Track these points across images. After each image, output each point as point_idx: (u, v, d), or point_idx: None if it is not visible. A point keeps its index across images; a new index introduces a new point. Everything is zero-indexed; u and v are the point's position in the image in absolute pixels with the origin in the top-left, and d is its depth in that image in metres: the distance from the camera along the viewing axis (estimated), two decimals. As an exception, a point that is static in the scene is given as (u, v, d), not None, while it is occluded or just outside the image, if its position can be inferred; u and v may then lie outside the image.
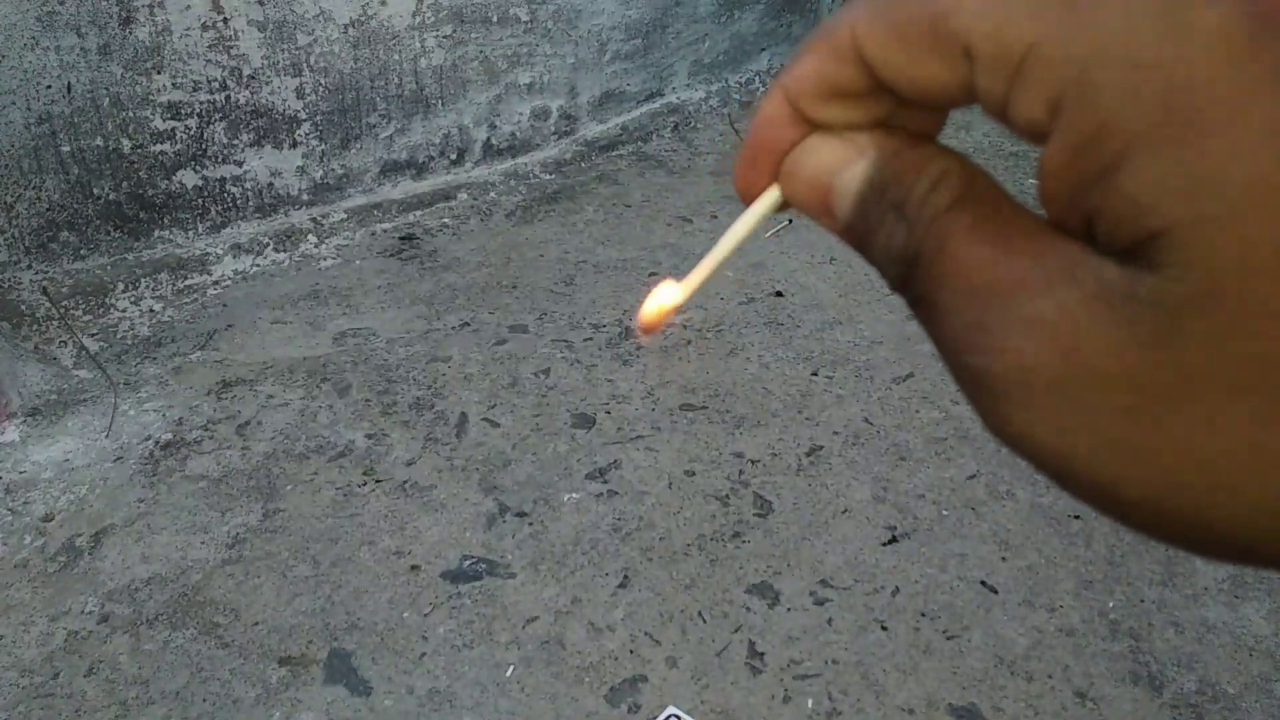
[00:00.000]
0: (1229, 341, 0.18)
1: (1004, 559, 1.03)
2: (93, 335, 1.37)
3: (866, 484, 1.14)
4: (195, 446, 1.16)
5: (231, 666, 0.86)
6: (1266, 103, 0.17)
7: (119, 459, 1.13)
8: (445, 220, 1.81)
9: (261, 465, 1.13)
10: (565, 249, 1.72)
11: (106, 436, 1.17)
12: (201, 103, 1.52)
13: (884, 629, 0.94)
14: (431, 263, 1.66)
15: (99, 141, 1.44)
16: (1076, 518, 1.09)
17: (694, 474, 1.15)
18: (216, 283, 1.54)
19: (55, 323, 1.37)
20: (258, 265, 1.60)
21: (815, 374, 1.36)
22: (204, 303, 1.49)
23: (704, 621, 0.94)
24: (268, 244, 1.63)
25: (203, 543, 1.01)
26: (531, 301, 1.55)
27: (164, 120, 1.49)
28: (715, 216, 1.85)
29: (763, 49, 2.45)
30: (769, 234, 1.78)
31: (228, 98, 1.55)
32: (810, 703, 0.86)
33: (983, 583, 1.00)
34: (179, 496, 1.07)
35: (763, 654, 0.91)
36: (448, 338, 1.44)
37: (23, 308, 1.37)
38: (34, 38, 1.32)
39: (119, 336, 1.38)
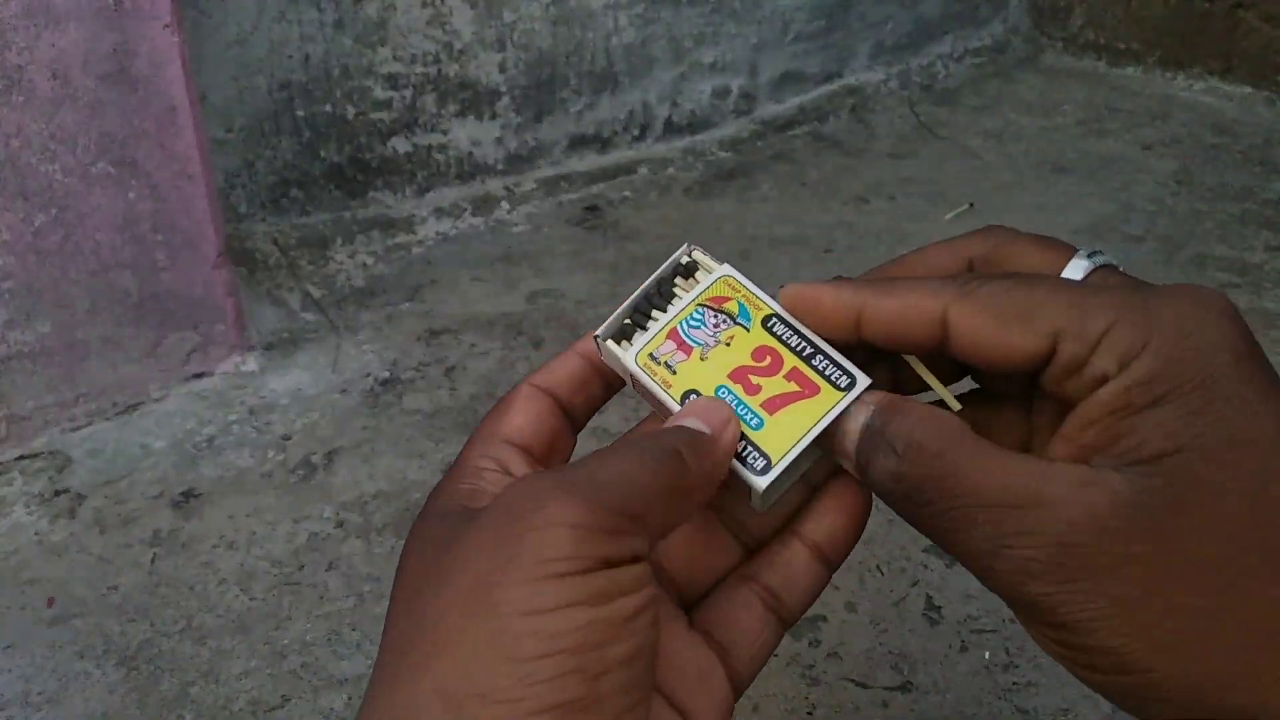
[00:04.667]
0: (1188, 539, 0.26)
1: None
2: (315, 283, 1.52)
3: (1046, 459, 1.14)
4: (410, 385, 1.27)
5: (451, 573, 0.96)
6: (1249, 394, 0.27)
7: (344, 391, 1.26)
8: (626, 193, 1.89)
9: (468, 404, 1.23)
10: (741, 224, 1.77)
11: (332, 371, 1.30)
12: (417, 75, 1.65)
13: (1062, 595, 0.96)
14: (614, 232, 1.74)
15: (328, 108, 1.58)
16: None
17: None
18: (421, 242, 1.67)
19: (284, 270, 1.52)
20: (457, 228, 1.72)
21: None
22: (410, 260, 1.61)
23: (881, 574, 0.98)
24: (466, 209, 1.75)
25: (419, 466, 1.12)
26: (709, 272, 1.60)
27: (384, 90, 1.62)
28: (893, 198, 1.86)
29: (946, 31, 2.43)
30: (949, 216, 1.78)
31: (439, 70, 1.67)
32: (987, 654, 0.89)
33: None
34: (398, 426, 1.19)
35: (940, 607, 0.95)
36: (631, 301, 1.51)
37: (257, 255, 1.53)
38: (281, 10, 1.47)
39: (338, 286, 1.52)
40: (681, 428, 0.33)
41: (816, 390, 0.34)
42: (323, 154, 1.60)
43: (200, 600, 0.95)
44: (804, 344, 0.35)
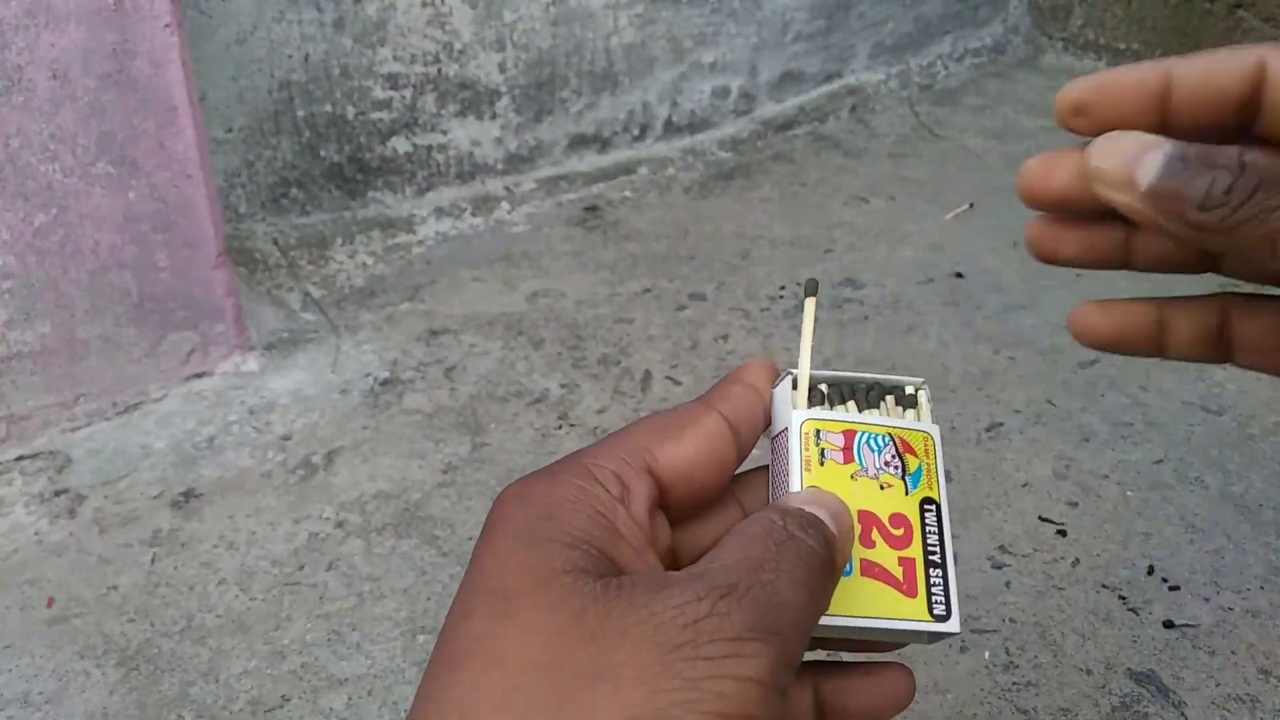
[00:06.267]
0: None
1: (1191, 541, 1.03)
2: (315, 284, 1.52)
3: (1048, 461, 1.15)
4: (410, 385, 1.27)
5: (451, 573, 0.96)
6: None
7: (344, 391, 1.26)
8: (626, 193, 1.89)
9: (468, 404, 1.23)
10: (741, 224, 1.77)
11: (332, 371, 1.30)
12: (416, 74, 1.65)
13: (1063, 595, 0.96)
14: (614, 232, 1.74)
15: (328, 108, 1.58)
16: (1270, 508, 1.07)
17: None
18: (420, 242, 1.67)
19: (284, 270, 1.52)
20: (456, 228, 1.72)
21: (996, 353, 1.37)
22: (410, 259, 1.61)
23: (881, 574, 0.98)
24: (466, 209, 1.75)
25: (420, 467, 1.12)
26: (709, 272, 1.60)
27: (383, 90, 1.62)
28: (893, 198, 1.86)
29: (946, 31, 2.42)
30: (949, 216, 1.78)
31: (439, 70, 1.67)
32: (987, 655, 0.89)
33: (1167, 562, 1.00)
34: (398, 427, 1.19)
35: (940, 607, 0.95)
36: (631, 302, 1.51)
37: (257, 255, 1.53)
38: (282, 10, 1.47)
39: (337, 285, 1.52)
40: (823, 527, 0.31)
41: (913, 594, 0.33)
42: (323, 154, 1.60)
43: (200, 600, 0.95)
44: (938, 549, 0.33)
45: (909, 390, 0.37)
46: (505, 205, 1.79)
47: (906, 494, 0.34)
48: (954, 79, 2.46)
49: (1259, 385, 1.30)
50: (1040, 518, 1.06)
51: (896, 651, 0.38)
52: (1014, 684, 0.87)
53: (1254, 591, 0.96)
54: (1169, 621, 0.93)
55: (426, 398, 1.25)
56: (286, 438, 1.17)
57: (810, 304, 0.37)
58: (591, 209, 1.82)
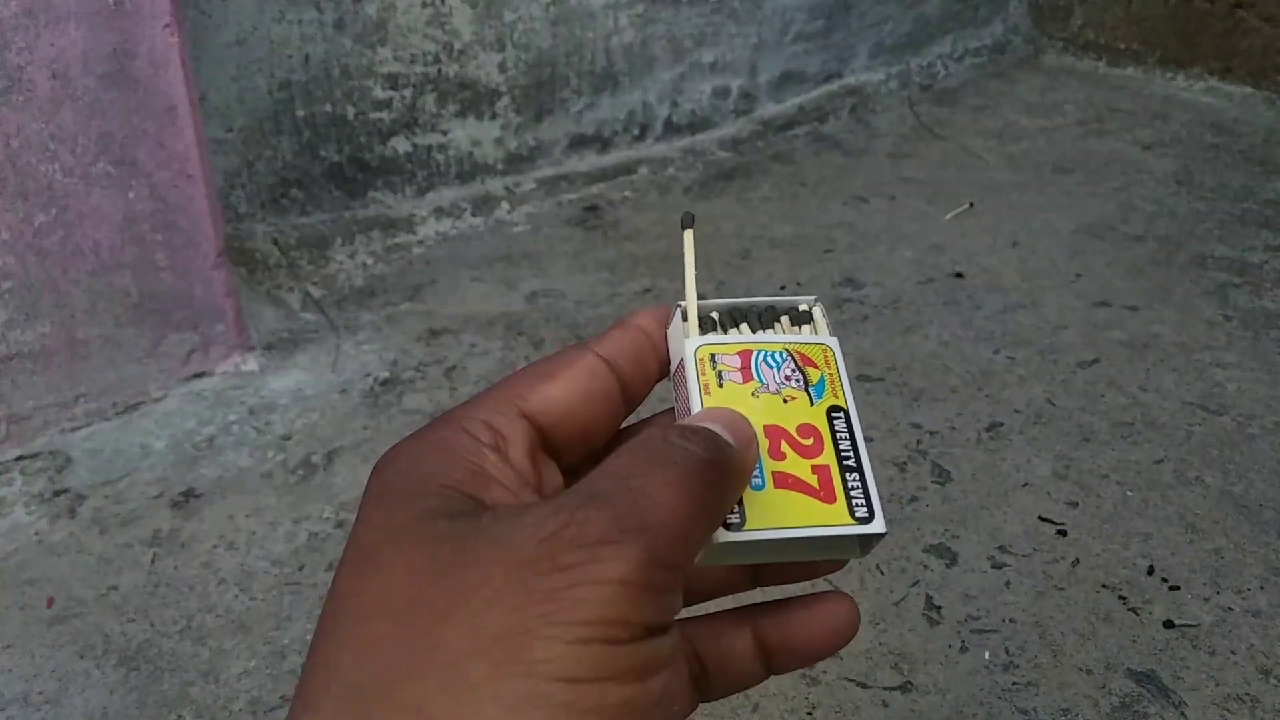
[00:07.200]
0: None
1: (1190, 541, 1.03)
2: (315, 283, 1.52)
3: (1048, 461, 1.15)
4: (410, 385, 1.27)
5: (451, 573, 0.96)
6: None
7: (344, 391, 1.26)
8: (626, 193, 1.89)
9: (468, 404, 1.24)
10: (741, 224, 1.77)
11: (332, 371, 1.30)
12: (417, 74, 1.65)
13: (1063, 595, 0.96)
14: (614, 232, 1.74)
15: (328, 108, 1.58)
16: (1270, 508, 1.07)
17: (871, 440, 1.19)
18: (421, 242, 1.67)
19: (284, 270, 1.52)
20: (456, 228, 1.72)
21: (996, 353, 1.37)
22: (410, 259, 1.61)
23: (881, 574, 0.98)
24: (466, 209, 1.75)
25: (420, 467, 1.12)
26: (709, 272, 1.60)
27: (384, 90, 1.62)
28: (893, 198, 1.86)
29: (946, 31, 2.42)
30: (949, 216, 1.78)
31: (439, 70, 1.67)
32: (987, 654, 0.89)
33: (1167, 562, 1.00)
34: (398, 427, 1.19)
35: (940, 607, 0.95)
36: (631, 301, 1.51)
37: (257, 255, 1.53)
38: (281, 11, 1.47)
39: (338, 285, 1.52)
40: (710, 434, 0.29)
41: (832, 500, 0.32)
42: (323, 154, 1.60)
43: (200, 600, 0.95)
44: (851, 454, 0.33)
45: (803, 308, 0.37)
46: (505, 205, 1.79)
47: (812, 404, 0.34)
48: (954, 79, 2.46)
49: (1259, 385, 1.30)
50: (1040, 518, 1.06)
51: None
52: (1014, 684, 0.87)
53: (1254, 591, 0.96)
54: (1169, 621, 0.93)
55: (426, 398, 1.25)
56: (286, 438, 1.17)
57: (689, 236, 0.37)
58: (591, 209, 1.82)
